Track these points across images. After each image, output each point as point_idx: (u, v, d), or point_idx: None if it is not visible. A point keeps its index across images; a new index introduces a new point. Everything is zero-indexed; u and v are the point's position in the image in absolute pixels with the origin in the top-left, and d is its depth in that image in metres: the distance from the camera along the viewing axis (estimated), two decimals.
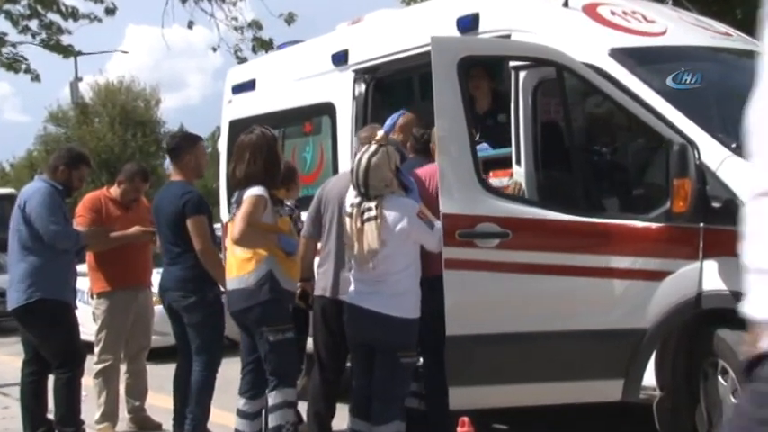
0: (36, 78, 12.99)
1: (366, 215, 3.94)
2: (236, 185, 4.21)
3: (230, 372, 4.84)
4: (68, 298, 4.93)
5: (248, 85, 6.52)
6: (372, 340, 4.05)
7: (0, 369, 8.72)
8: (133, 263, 5.30)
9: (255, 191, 4.05)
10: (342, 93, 5.56)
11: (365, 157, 3.99)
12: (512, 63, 4.42)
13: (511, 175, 4.49)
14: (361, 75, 5.50)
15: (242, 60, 10.28)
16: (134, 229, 5.23)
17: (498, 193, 4.10)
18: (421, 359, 4.30)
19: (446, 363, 3.94)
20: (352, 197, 4.09)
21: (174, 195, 4.70)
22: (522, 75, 4.37)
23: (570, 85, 4.08)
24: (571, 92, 4.13)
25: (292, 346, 4.18)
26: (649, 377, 3.90)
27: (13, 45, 12.32)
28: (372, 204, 3.94)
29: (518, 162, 4.38)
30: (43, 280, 4.77)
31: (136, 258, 5.31)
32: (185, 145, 4.85)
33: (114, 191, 5.44)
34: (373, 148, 4.03)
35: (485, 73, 5.15)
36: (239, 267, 4.12)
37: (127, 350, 5.44)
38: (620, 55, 4.16)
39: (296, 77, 6.03)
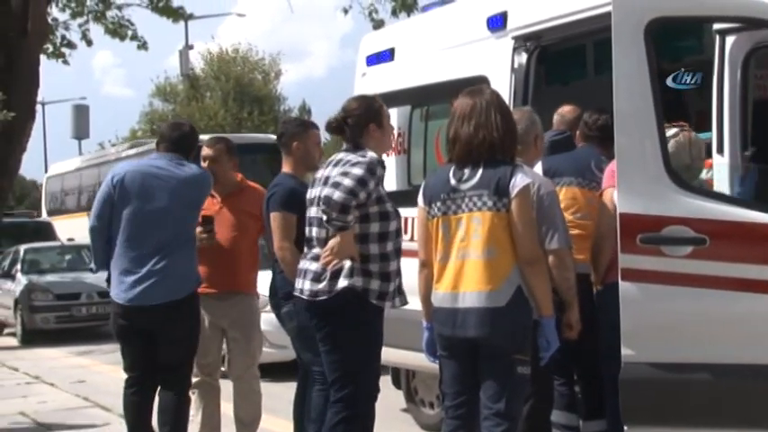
0: (143, 46, 13.79)
1: None
2: (473, 155, 3.81)
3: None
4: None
5: (385, 55, 6.65)
6: None
7: (98, 380, 9.33)
8: (215, 264, 5.33)
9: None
10: (498, 64, 5.56)
11: None
12: (716, 26, 4.33)
13: (710, 167, 4.42)
14: (522, 42, 5.47)
15: (378, 25, 10.50)
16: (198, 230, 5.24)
17: (692, 188, 4.04)
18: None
19: (620, 395, 3.96)
20: None
21: (269, 189, 4.99)
22: (730, 40, 4.28)
23: None
24: None
25: (527, 385, 3.87)
26: None
27: (119, 8, 13.13)
28: None
29: (720, 150, 4.31)
30: (195, 272, 5.06)
31: (219, 258, 5.34)
32: (295, 131, 5.04)
33: None
34: None
35: None
36: (480, 279, 3.74)
37: (231, 369, 5.65)
38: None
39: (443, 46, 6.10)
